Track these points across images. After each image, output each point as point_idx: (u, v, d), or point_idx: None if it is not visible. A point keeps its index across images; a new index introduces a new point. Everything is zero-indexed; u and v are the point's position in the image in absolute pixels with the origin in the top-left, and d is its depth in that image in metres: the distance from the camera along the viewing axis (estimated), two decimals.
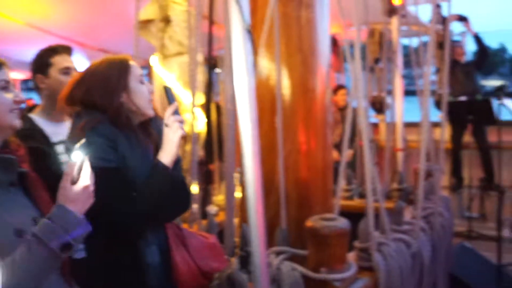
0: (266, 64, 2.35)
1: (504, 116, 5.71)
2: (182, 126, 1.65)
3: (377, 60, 5.70)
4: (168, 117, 1.63)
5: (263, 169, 2.46)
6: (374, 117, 6.15)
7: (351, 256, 2.03)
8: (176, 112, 1.64)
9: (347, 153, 5.61)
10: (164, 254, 1.70)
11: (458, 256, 3.85)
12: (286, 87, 2.32)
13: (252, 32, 1.48)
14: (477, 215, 6.05)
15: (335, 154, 5.99)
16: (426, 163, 3.19)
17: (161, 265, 1.68)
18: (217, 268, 1.71)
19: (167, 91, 1.66)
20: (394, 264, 2.01)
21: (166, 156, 1.61)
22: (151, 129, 1.74)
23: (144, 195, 1.55)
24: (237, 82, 1.40)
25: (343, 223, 1.77)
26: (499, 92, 3.55)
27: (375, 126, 6.56)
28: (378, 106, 6.22)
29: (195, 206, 2.47)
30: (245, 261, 1.53)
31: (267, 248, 1.92)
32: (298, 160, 2.37)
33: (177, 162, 1.70)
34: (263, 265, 1.50)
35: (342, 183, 2.17)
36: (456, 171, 5.95)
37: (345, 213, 2.39)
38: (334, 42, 6.57)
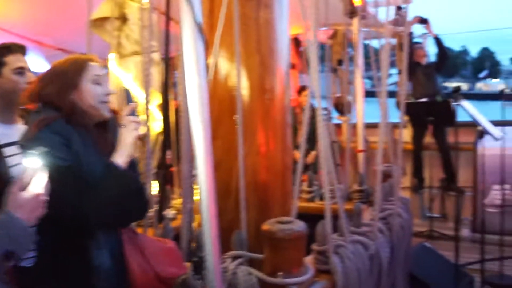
0: (224, 65, 2.31)
1: (461, 117, 5.86)
2: (137, 126, 1.65)
3: (340, 61, 5.74)
4: (124, 118, 1.64)
5: (221, 171, 2.43)
6: (337, 118, 6.19)
7: (309, 259, 2.01)
8: (133, 113, 1.65)
9: (311, 155, 5.68)
10: (116, 259, 1.67)
11: (418, 256, 3.90)
12: (244, 88, 2.29)
13: (205, 32, 1.45)
14: (438, 215, 6.17)
15: (297, 155, 6.01)
16: (386, 164, 3.21)
17: (113, 269, 1.65)
18: (175, 273, 1.68)
19: (126, 92, 1.65)
20: (351, 266, 2.00)
21: (120, 156, 1.61)
22: (107, 130, 1.72)
23: (96, 194, 1.52)
24: (188, 83, 1.36)
25: (299, 226, 1.75)
26: (456, 94, 3.61)
27: (338, 127, 6.62)
28: (341, 107, 6.27)
29: (151, 210, 2.42)
30: (199, 266, 1.49)
31: (225, 252, 1.90)
32: (257, 162, 2.35)
33: (133, 164, 1.69)
34: (217, 270, 1.46)
35: (299, 185, 2.14)
36: (417, 172, 6.04)
37: (305, 215, 2.37)
38: (298, 43, 6.59)
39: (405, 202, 3.07)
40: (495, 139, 3.78)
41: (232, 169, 2.27)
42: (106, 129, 1.71)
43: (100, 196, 1.53)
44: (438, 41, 5.81)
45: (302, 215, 2.29)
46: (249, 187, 2.21)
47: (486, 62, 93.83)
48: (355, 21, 4.36)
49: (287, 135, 2.49)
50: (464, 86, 69.64)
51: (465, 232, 5.49)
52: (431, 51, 6.52)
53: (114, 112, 1.75)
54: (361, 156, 3.95)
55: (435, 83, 5.96)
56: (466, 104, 3.51)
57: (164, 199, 2.72)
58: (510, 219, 4.92)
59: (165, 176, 2.82)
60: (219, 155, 2.36)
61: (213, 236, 1.45)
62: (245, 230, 2.07)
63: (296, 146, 5.95)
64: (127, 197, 1.59)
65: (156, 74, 2.88)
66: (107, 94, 1.69)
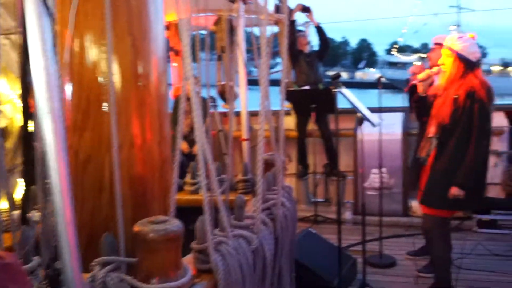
0: (92, 49, 2.08)
1: (341, 104, 6.06)
2: None
3: (224, 48, 5.64)
4: None
5: (92, 166, 2.19)
6: (222, 107, 6.10)
7: (188, 259, 1.87)
8: None
9: (196, 146, 5.51)
10: None
11: (303, 242, 3.94)
12: (115, 73, 2.07)
13: (56, 8, 1.24)
14: (323, 199, 6.35)
15: (184, 145, 5.87)
16: (269, 152, 3.16)
17: None
18: None
19: None
20: (233, 263, 1.90)
21: None
22: None
23: None
24: (33, 66, 1.15)
25: (174, 225, 1.59)
26: (335, 80, 3.67)
27: (225, 116, 6.54)
28: (226, 95, 6.20)
29: (15, 212, 2.13)
30: (55, 280, 1.29)
31: (93, 258, 1.70)
32: (132, 155, 2.15)
33: None
34: (78, 283, 1.28)
35: (177, 178, 1.99)
36: (302, 159, 6.16)
37: (190, 208, 2.23)
38: None
39: (288, 190, 3.04)
40: (373, 125, 3.91)
41: (104, 164, 2.07)
42: None
43: None
44: (319, 30, 5.93)
45: (186, 209, 2.14)
46: (124, 182, 2.01)
47: (364, 53, 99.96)
48: (236, 6, 4.28)
49: (165, 125, 2.31)
50: (345, 75, 73.64)
51: (347, 215, 5.70)
52: (314, 40, 6.67)
53: None
54: (245, 145, 3.88)
55: (318, 71, 6.09)
56: (345, 91, 3.58)
57: (28, 199, 2.42)
58: (388, 201, 5.19)
59: (29, 173, 2.51)
60: (89, 148, 2.15)
61: (71, 245, 1.26)
62: (122, 230, 1.88)
63: (185, 137, 5.81)
64: None
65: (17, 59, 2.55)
66: None
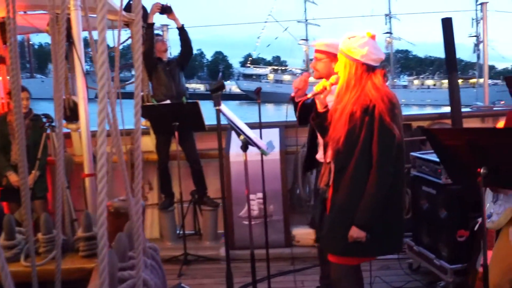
0: None
1: (209, 120, 5.23)
2: None
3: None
4: None
5: None
6: (64, 127, 4.89)
7: None
8: None
9: (30, 176, 4.32)
10: None
11: None
12: None
13: None
14: (192, 231, 5.45)
15: (13, 177, 4.56)
16: (121, 197, 2.21)
17: None
18: None
19: None
20: None
21: None
22: None
23: None
24: None
25: None
26: (216, 94, 2.76)
27: (67, 137, 5.33)
28: (69, 112, 5.02)
29: None
30: None
31: None
32: None
33: None
34: None
35: None
36: (165, 187, 5.18)
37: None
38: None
39: (153, 254, 2.09)
40: (265, 153, 3.12)
41: None
42: None
43: None
44: (183, 32, 4.99)
45: None
46: None
47: (220, 65, 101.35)
48: (73, 4, 3.34)
49: None
50: (202, 87, 73.57)
51: (222, 251, 4.85)
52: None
53: None
54: (89, 183, 2.84)
55: (180, 82, 5.15)
56: (225, 109, 2.73)
57: None
58: (268, 231, 4.39)
59: None
60: None
61: None
62: None
63: (13, 166, 4.49)
64: None
65: None
66: None
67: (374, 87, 2.65)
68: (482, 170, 2.11)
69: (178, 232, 5.33)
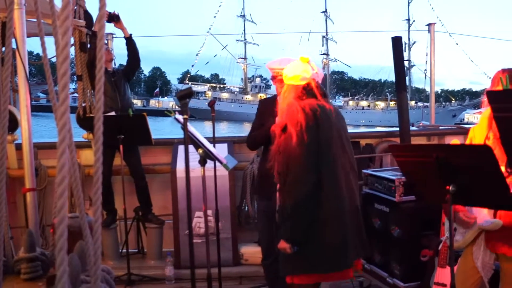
0: None
1: (157, 134, 5.02)
2: None
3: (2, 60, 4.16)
4: None
5: None
6: None
7: None
8: None
9: None
10: None
11: None
12: None
13: None
14: (135, 250, 5.18)
15: None
16: (69, 214, 2.02)
17: None
18: None
19: None
20: None
21: None
22: None
23: None
24: None
25: None
26: (183, 102, 2.58)
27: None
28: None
29: None
30: None
31: None
32: None
33: None
34: None
35: None
36: (107, 203, 4.89)
37: None
38: None
39: (107, 277, 1.91)
40: (227, 168, 2.98)
41: None
42: None
43: None
44: (131, 43, 4.77)
45: None
46: None
47: (158, 81, 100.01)
48: (15, 7, 3.13)
49: None
50: (139, 103, 72.06)
51: (168, 270, 4.63)
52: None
53: None
54: (30, 198, 2.60)
55: (126, 94, 4.93)
56: (180, 117, 2.57)
57: None
58: (216, 249, 4.23)
59: None
60: None
61: None
62: None
63: None
64: None
65: None
66: None
67: (301, 105, 2.65)
68: (451, 188, 2.08)
69: (120, 251, 5.06)
